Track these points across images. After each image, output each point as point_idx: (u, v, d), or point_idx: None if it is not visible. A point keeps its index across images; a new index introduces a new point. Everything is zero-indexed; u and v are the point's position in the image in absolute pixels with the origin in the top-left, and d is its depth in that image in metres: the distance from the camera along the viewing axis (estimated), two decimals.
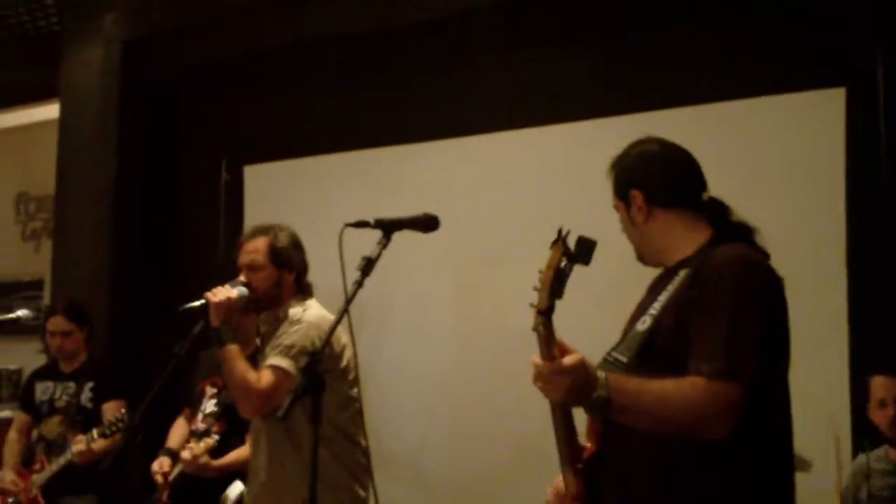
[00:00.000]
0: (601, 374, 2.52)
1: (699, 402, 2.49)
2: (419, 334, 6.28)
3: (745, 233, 2.82)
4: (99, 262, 6.94)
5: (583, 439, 2.83)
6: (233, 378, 3.99)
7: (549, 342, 2.61)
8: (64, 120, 7.29)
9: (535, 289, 2.65)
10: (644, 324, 2.71)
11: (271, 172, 6.99)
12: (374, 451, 4.15)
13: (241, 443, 4.71)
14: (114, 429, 5.21)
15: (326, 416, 3.28)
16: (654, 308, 2.72)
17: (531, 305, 2.66)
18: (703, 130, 5.15)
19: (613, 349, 2.80)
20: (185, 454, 4.63)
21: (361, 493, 4.10)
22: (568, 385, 2.51)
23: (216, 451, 4.65)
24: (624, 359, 2.70)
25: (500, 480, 5.71)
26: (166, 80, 7.25)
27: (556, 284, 2.63)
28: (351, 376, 4.12)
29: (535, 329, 2.63)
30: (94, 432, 5.25)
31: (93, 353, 5.99)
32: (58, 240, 7.30)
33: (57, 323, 5.86)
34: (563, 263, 2.66)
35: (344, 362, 4.09)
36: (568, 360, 2.52)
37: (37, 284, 9.07)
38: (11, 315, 5.41)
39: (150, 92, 7.23)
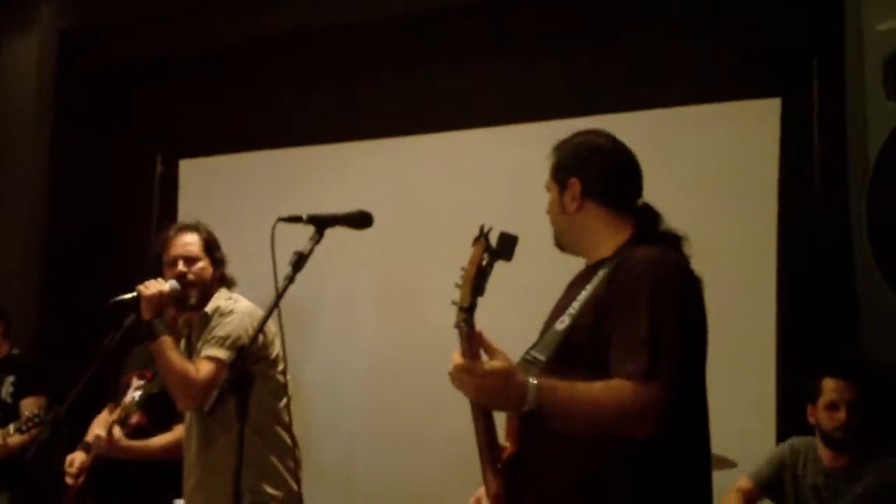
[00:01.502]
0: (532, 381, 2.49)
1: (624, 403, 2.48)
2: (346, 334, 6.27)
3: (669, 239, 2.83)
4: (30, 254, 6.85)
5: (501, 438, 2.81)
6: (170, 369, 3.96)
7: (470, 339, 2.62)
8: None
9: (458, 286, 2.66)
10: (562, 323, 2.70)
11: (207, 167, 6.94)
12: (302, 451, 4.15)
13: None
14: (31, 424, 5.11)
15: (260, 405, 3.27)
16: (573, 307, 2.71)
17: (453, 303, 2.66)
18: (638, 136, 5.16)
19: (532, 348, 2.79)
20: (97, 429, 4.56)
21: (295, 486, 4.06)
22: (485, 388, 2.50)
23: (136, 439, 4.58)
24: (542, 357, 2.69)
25: (429, 479, 5.71)
26: (103, 71, 7.17)
27: (477, 281, 2.64)
28: (282, 365, 4.12)
29: (456, 326, 2.64)
30: (11, 427, 5.16)
31: (13, 348, 5.90)
32: None
33: None
34: (484, 260, 2.67)
35: (276, 350, 4.10)
36: (491, 365, 2.51)
37: None
38: None
39: (87, 83, 7.15)
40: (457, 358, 2.58)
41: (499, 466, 2.75)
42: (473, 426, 2.76)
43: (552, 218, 2.98)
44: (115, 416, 4.51)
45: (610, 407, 2.50)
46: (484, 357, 2.69)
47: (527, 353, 2.79)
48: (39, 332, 6.64)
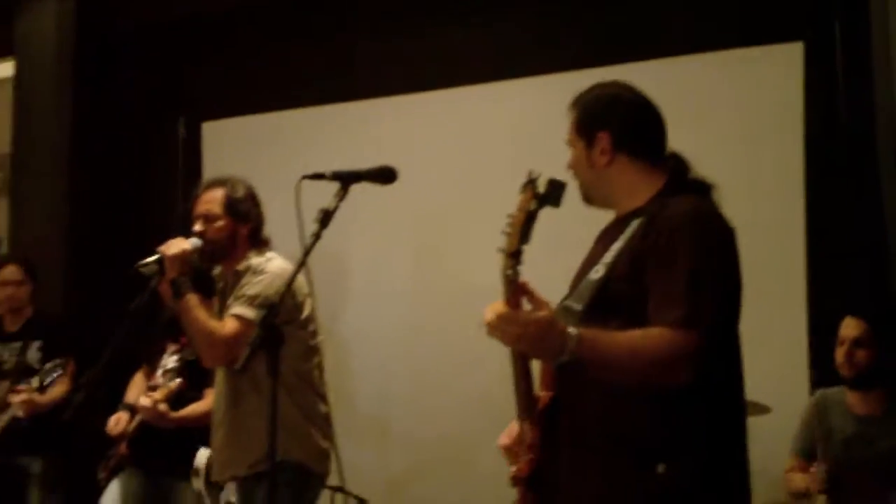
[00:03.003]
0: (572, 331, 2.49)
1: (662, 350, 2.50)
2: (377, 290, 6.29)
3: (700, 188, 2.81)
4: (56, 220, 6.88)
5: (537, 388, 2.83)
6: (195, 327, 3.98)
7: (514, 287, 2.61)
8: (19, 77, 7.19)
9: (505, 233, 2.64)
10: (597, 273, 2.70)
11: (230, 129, 6.95)
12: (333, 407, 4.17)
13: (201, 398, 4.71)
14: (53, 375, 5.14)
15: (289, 366, 3.29)
16: (607, 257, 2.70)
17: (499, 250, 2.64)
18: (661, 85, 5.13)
19: (566, 298, 2.79)
20: (144, 400, 4.60)
21: (323, 443, 4.09)
22: (526, 337, 2.49)
23: (175, 405, 4.64)
24: (578, 307, 2.69)
25: (463, 430, 5.73)
26: (122, 35, 7.16)
27: (525, 228, 2.62)
28: (312, 327, 4.12)
29: (504, 272, 2.62)
30: (34, 381, 5.19)
31: (39, 311, 5.93)
32: (14, 198, 7.23)
33: (11, 272, 5.79)
34: (533, 206, 2.65)
35: (306, 312, 4.10)
36: (534, 314, 2.51)
37: None
38: None
39: (107, 47, 7.14)
40: (499, 306, 2.56)
41: (534, 416, 2.76)
42: (513, 376, 2.77)
43: (578, 173, 2.93)
44: (159, 395, 4.55)
45: (648, 355, 2.51)
46: (527, 306, 2.68)
47: (562, 302, 2.78)
48: (66, 296, 6.66)
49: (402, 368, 6.14)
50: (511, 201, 2.86)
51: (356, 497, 5.28)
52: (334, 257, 5.32)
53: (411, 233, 6.19)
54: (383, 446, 6.04)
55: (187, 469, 4.71)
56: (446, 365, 5.90)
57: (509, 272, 2.61)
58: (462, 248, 5.83)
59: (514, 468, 2.85)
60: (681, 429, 2.59)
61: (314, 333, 4.13)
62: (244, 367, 3.05)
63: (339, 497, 5.05)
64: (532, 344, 2.52)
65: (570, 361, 2.51)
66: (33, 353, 5.64)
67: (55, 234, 6.83)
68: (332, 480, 4.33)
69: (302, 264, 3.20)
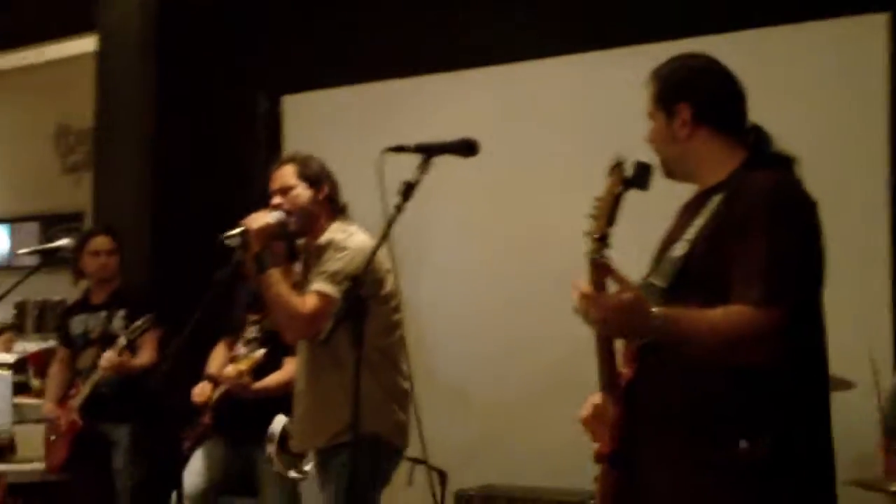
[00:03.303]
0: (656, 311, 2.50)
1: (743, 329, 2.50)
2: (457, 263, 6.31)
3: (782, 161, 2.78)
4: (139, 193, 6.97)
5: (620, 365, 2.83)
6: (277, 302, 4.02)
7: (599, 270, 2.58)
8: (102, 51, 7.28)
9: (591, 216, 2.61)
10: (679, 249, 2.69)
11: (310, 102, 6.99)
12: (414, 379, 4.20)
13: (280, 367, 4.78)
14: (138, 332, 5.22)
15: (371, 341, 3.31)
16: (689, 233, 2.69)
17: (586, 234, 2.62)
18: (743, 57, 5.07)
19: (649, 275, 2.79)
20: (230, 370, 4.67)
21: (402, 416, 4.14)
22: (612, 320, 2.52)
23: (257, 375, 4.70)
24: (661, 284, 2.68)
25: (540, 406, 5.72)
26: (204, 9, 7.21)
27: (612, 211, 2.61)
28: (394, 302, 4.15)
29: (591, 256, 2.59)
30: (121, 339, 5.27)
31: (124, 282, 6.01)
32: (98, 172, 7.33)
33: (101, 242, 5.85)
34: (619, 190, 2.63)
35: (388, 287, 4.12)
36: (620, 297, 2.50)
37: (77, 217, 9.13)
38: (54, 244, 5.47)
39: (189, 21, 7.20)
40: (585, 287, 2.56)
41: (617, 393, 2.77)
42: (596, 350, 2.77)
43: (658, 146, 2.91)
44: (243, 365, 4.63)
45: (730, 334, 2.51)
46: (611, 287, 2.69)
47: (644, 279, 2.78)
48: (151, 267, 6.76)
49: (482, 340, 6.14)
50: (590, 174, 2.87)
51: (435, 469, 5.31)
52: (415, 230, 5.34)
53: (490, 205, 6.18)
54: (463, 418, 6.05)
55: None
56: (526, 336, 5.88)
57: (595, 255, 2.58)
58: (541, 221, 5.83)
59: (597, 444, 2.86)
60: (762, 405, 2.58)
61: (396, 308, 4.16)
62: (327, 340, 3.08)
63: (418, 469, 5.08)
64: (617, 326, 2.55)
65: (653, 341, 2.54)
66: (118, 322, 5.71)
67: (139, 208, 6.93)
68: (414, 452, 4.38)
69: (384, 237, 3.22)
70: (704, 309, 2.54)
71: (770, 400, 2.58)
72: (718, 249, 2.61)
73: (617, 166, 2.67)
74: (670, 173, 2.92)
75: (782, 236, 2.56)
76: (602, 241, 2.59)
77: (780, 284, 2.52)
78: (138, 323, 5.29)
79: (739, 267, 2.56)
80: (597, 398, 2.86)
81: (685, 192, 2.92)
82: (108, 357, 5.33)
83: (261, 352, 4.67)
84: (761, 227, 2.56)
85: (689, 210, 2.82)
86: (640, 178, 2.65)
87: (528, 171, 6.01)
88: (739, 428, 2.57)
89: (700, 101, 2.82)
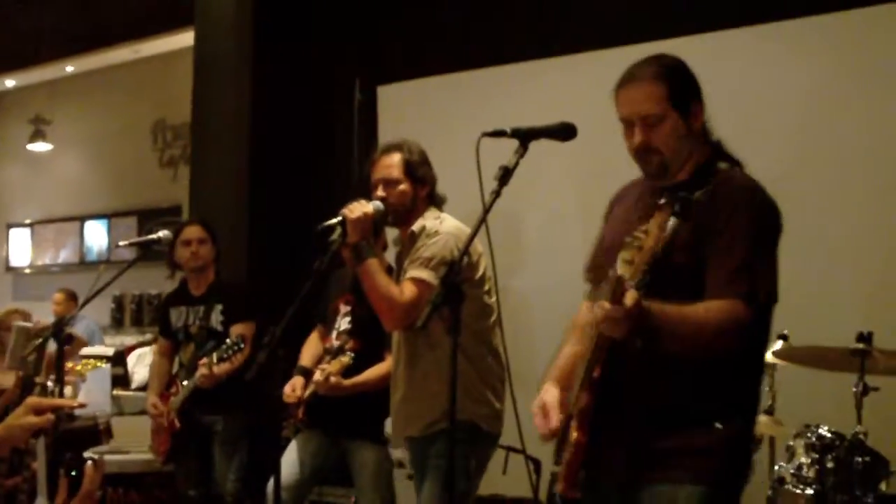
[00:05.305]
0: (644, 304, 2.61)
1: (725, 324, 2.72)
2: (551, 246, 6.29)
3: (737, 161, 2.97)
4: (236, 186, 7.04)
5: None
6: (376, 292, 4.02)
7: (621, 287, 2.59)
8: (199, 46, 7.37)
9: (633, 245, 2.63)
10: (652, 243, 2.68)
11: (404, 92, 7.01)
12: (511, 364, 4.15)
13: (377, 359, 4.77)
14: (231, 352, 5.25)
15: (465, 325, 3.28)
16: (665, 228, 2.68)
17: (624, 261, 2.63)
18: (788, 46, 5.01)
19: (618, 267, 2.75)
20: (318, 375, 4.68)
21: (496, 403, 4.12)
22: (631, 325, 2.62)
23: (352, 369, 4.70)
24: (636, 279, 2.68)
25: None
26: (298, 3, 7.26)
27: (655, 256, 2.61)
28: (488, 286, 4.14)
29: (631, 282, 2.61)
30: (214, 356, 5.30)
31: (220, 276, 6.04)
32: (195, 166, 7.42)
33: (192, 231, 5.82)
34: (667, 229, 2.64)
35: (481, 271, 4.11)
36: (630, 300, 2.57)
37: (175, 210, 9.28)
38: (153, 236, 5.51)
39: (284, 14, 7.26)
40: (608, 306, 2.59)
41: (589, 382, 2.84)
42: (591, 351, 2.82)
43: (672, 145, 2.96)
44: (332, 368, 4.63)
45: (712, 328, 2.72)
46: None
47: (614, 271, 2.74)
48: (248, 259, 6.81)
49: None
50: None
51: (530, 457, 5.27)
52: (510, 214, 5.33)
53: (583, 189, 6.14)
54: None
55: (365, 429, 4.81)
56: None
57: (633, 282, 2.61)
58: None
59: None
60: (734, 393, 2.88)
61: (490, 292, 4.14)
62: (423, 326, 3.06)
63: (512, 457, 5.04)
64: (627, 329, 2.64)
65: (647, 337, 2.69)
66: (216, 316, 5.75)
67: (235, 201, 7.00)
68: (511, 440, 4.34)
69: (482, 221, 3.19)
70: (683, 304, 2.71)
71: (739, 388, 2.90)
72: (698, 243, 2.77)
73: (668, 202, 2.68)
74: (670, 174, 2.98)
75: (762, 239, 2.80)
76: (647, 273, 2.64)
77: (758, 283, 2.75)
78: (230, 342, 5.31)
79: (721, 264, 2.76)
80: (554, 389, 3.07)
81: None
82: (203, 373, 5.37)
83: (349, 356, 4.66)
84: (744, 229, 2.76)
85: (651, 203, 2.81)
86: (684, 211, 2.68)
87: (624, 157, 5.94)
88: (716, 411, 2.84)
89: (700, 98, 3.00)
